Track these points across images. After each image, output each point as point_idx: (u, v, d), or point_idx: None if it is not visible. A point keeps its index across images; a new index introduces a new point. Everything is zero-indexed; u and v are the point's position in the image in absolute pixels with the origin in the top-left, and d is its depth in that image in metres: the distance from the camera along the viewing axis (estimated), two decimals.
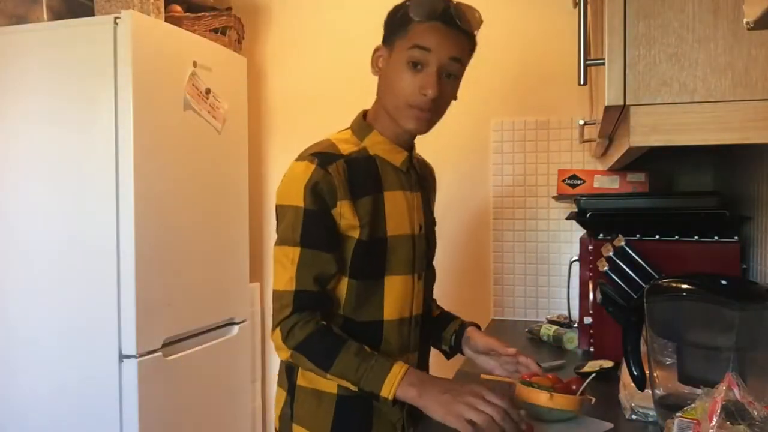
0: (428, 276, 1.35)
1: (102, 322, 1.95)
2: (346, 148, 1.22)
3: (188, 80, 2.14)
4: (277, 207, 1.21)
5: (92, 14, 2.13)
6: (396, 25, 1.21)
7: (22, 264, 2.06)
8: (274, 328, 1.17)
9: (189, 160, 2.17)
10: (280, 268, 1.17)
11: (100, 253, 1.95)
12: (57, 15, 2.15)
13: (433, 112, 1.20)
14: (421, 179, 1.34)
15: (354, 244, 1.18)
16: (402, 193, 1.25)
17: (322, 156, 1.18)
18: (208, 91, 2.25)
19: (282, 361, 1.27)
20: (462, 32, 1.18)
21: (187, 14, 2.33)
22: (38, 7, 2.13)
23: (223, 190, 2.38)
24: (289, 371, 1.27)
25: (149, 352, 1.98)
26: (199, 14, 2.35)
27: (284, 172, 1.24)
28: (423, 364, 1.34)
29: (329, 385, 1.20)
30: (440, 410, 1.06)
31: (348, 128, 1.30)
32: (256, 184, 2.65)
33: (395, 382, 1.10)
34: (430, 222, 1.35)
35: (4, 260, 2.08)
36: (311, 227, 1.15)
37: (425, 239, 1.30)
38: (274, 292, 1.18)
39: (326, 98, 2.57)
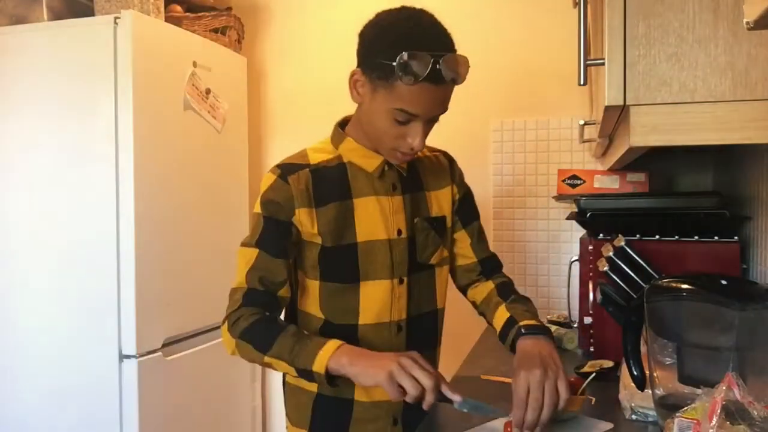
0: (423, 278, 1.30)
1: (102, 322, 1.95)
2: (317, 158, 1.26)
3: (188, 80, 2.14)
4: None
5: (92, 14, 2.13)
6: (378, 68, 1.12)
7: (22, 264, 2.06)
8: (223, 322, 1.20)
9: (189, 160, 2.17)
10: (238, 268, 1.23)
11: (100, 254, 1.95)
12: (57, 15, 2.15)
13: (415, 154, 1.21)
14: (412, 178, 1.30)
15: (319, 250, 1.22)
16: (375, 198, 1.24)
17: (286, 167, 1.23)
18: (208, 91, 2.25)
19: None
20: (449, 85, 1.13)
21: (187, 14, 2.33)
22: (38, 7, 2.13)
23: (223, 190, 2.38)
24: None
25: (149, 352, 1.98)
26: (199, 14, 2.35)
27: None
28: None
29: (310, 384, 1.23)
30: (371, 373, 1.07)
31: (328, 138, 1.32)
32: (256, 184, 2.64)
33: (327, 356, 1.10)
34: (423, 222, 1.29)
35: (4, 260, 2.08)
36: (266, 233, 1.21)
37: (409, 241, 1.27)
38: (230, 290, 1.23)
39: (326, 98, 2.57)
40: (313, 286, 1.25)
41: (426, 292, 1.31)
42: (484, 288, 1.37)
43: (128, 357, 1.94)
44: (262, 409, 2.67)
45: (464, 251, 1.39)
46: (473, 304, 1.40)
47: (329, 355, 1.10)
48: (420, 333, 1.30)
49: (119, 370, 1.94)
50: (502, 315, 1.29)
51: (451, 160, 1.40)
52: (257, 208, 1.23)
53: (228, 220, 2.41)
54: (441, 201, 1.34)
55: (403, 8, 1.17)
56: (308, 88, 2.61)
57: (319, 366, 1.10)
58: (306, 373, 1.13)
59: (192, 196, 2.19)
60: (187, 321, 2.16)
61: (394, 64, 1.07)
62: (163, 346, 2.04)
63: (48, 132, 2.02)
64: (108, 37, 1.94)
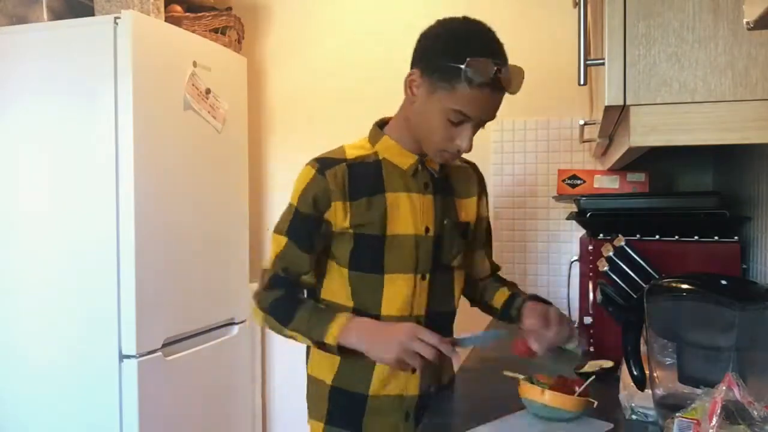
0: (443, 278, 1.35)
1: (102, 322, 1.95)
2: (353, 153, 1.31)
3: (188, 80, 2.14)
4: None
5: (92, 14, 2.14)
6: (441, 69, 1.18)
7: (22, 264, 2.06)
8: (253, 299, 1.34)
9: (189, 160, 2.17)
10: (271, 251, 1.32)
11: (100, 254, 1.95)
12: (57, 15, 2.16)
13: (461, 155, 1.30)
14: (443, 182, 1.35)
15: (352, 239, 1.27)
16: (407, 195, 1.29)
17: (324, 161, 1.28)
18: (208, 91, 2.25)
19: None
20: (505, 93, 1.21)
21: (187, 14, 2.33)
22: (38, 7, 2.13)
23: (223, 190, 2.38)
24: (306, 360, 1.41)
25: (149, 352, 1.98)
26: (199, 14, 2.35)
27: (285, 171, 1.33)
28: (435, 366, 1.29)
29: (324, 373, 1.33)
30: (378, 355, 1.20)
31: (366, 136, 1.37)
32: (256, 184, 2.65)
33: (337, 330, 1.21)
34: (451, 224, 1.34)
35: (5, 261, 2.08)
36: (297, 226, 1.29)
37: (435, 241, 1.31)
38: (262, 270, 1.34)
39: (326, 98, 2.57)
40: (343, 274, 1.30)
41: (445, 291, 1.36)
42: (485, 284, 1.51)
43: (128, 357, 1.94)
44: (262, 409, 2.67)
45: (477, 270, 1.48)
46: (472, 300, 1.52)
47: (339, 329, 1.21)
48: (437, 330, 1.30)
49: (119, 370, 1.94)
50: (503, 294, 1.44)
51: (480, 175, 1.47)
52: (293, 200, 1.29)
53: (228, 220, 2.41)
54: (468, 209, 1.40)
55: (466, 18, 1.24)
56: (308, 88, 2.61)
57: (330, 338, 1.22)
58: (321, 345, 1.24)
59: (192, 196, 2.19)
60: (187, 321, 2.16)
61: (462, 66, 1.13)
62: (163, 346, 2.04)
63: (48, 132, 2.02)
64: (108, 37, 1.94)
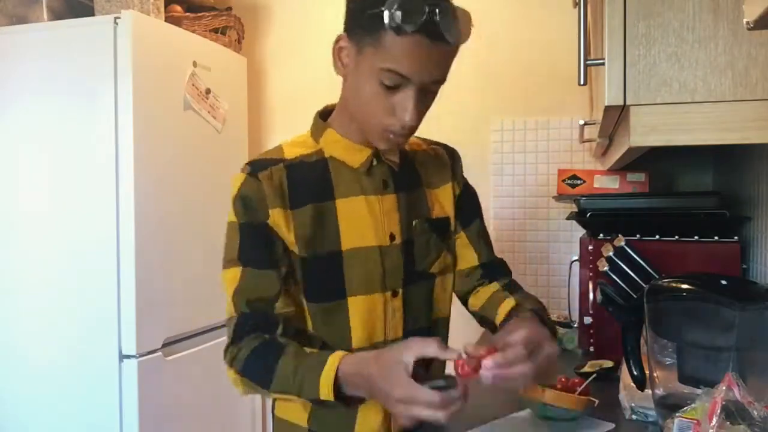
0: (421, 290, 1.13)
1: (102, 322, 1.95)
2: (293, 152, 1.11)
3: (188, 80, 2.14)
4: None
5: (92, 14, 2.14)
6: (363, 23, 0.96)
7: (22, 264, 2.06)
8: (224, 359, 1.06)
9: (189, 160, 2.18)
10: (225, 294, 1.06)
11: (100, 254, 1.95)
12: (57, 15, 2.16)
13: (409, 134, 1.04)
14: (407, 175, 1.13)
15: (301, 263, 1.05)
16: (363, 198, 1.08)
17: (256, 163, 1.08)
18: (208, 91, 2.25)
19: None
20: (448, 44, 0.95)
21: (187, 14, 2.33)
22: (38, 7, 2.13)
23: (223, 190, 2.37)
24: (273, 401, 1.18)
25: (149, 352, 1.98)
26: (199, 14, 2.35)
27: None
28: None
29: (299, 417, 1.10)
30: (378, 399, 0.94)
31: (308, 131, 1.17)
32: None
33: (329, 384, 0.94)
34: (423, 224, 1.12)
35: (5, 261, 2.08)
36: (245, 242, 1.05)
37: (404, 248, 1.10)
38: (227, 319, 1.07)
39: (326, 98, 2.56)
40: (303, 304, 1.08)
41: (425, 305, 1.14)
42: (488, 290, 1.20)
43: (128, 357, 1.94)
44: (262, 409, 2.67)
45: (463, 254, 1.20)
46: (473, 313, 1.23)
47: (331, 383, 0.95)
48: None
49: (119, 370, 1.94)
50: (508, 304, 1.13)
51: (453, 155, 1.24)
52: (230, 216, 1.07)
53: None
54: (442, 200, 1.17)
55: None
56: (308, 88, 2.60)
57: (326, 395, 0.95)
58: (321, 403, 0.98)
59: (192, 196, 2.19)
60: (187, 321, 2.16)
61: (383, 8, 0.91)
62: (163, 346, 2.04)
63: (48, 132, 2.02)
64: (108, 37, 1.94)
